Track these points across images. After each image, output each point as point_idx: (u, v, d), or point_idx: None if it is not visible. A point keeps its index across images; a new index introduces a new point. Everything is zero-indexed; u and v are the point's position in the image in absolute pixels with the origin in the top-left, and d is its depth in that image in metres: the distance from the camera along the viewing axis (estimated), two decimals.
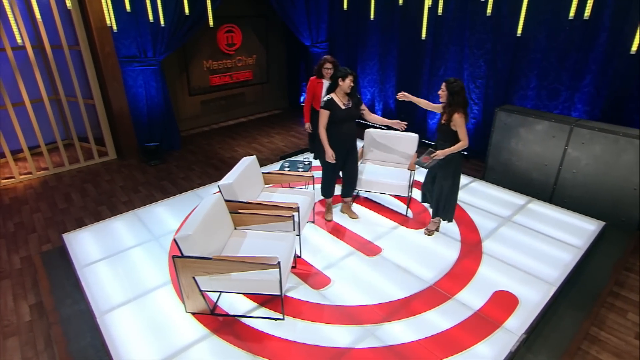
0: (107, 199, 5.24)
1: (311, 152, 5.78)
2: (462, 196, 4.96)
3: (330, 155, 3.93)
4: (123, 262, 3.74)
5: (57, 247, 4.13)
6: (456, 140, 3.59)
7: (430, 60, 6.48)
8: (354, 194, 4.70)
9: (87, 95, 6.08)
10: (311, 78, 4.95)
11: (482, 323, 3.04)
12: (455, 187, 3.89)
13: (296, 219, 3.46)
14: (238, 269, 2.82)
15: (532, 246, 3.99)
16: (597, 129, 4.40)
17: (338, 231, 4.23)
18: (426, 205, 4.51)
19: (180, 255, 2.82)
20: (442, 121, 3.66)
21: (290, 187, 4.70)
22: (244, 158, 4.00)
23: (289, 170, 4.70)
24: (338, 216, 4.52)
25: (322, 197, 4.46)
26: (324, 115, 3.87)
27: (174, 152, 6.78)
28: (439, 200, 3.93)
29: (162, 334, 2.93)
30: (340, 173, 4.33)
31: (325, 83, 4.74)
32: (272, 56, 8.66)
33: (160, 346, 2.84)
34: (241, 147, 7.05)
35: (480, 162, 6.05)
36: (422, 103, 4.02)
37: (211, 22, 5.43)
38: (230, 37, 7.63)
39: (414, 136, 4.68)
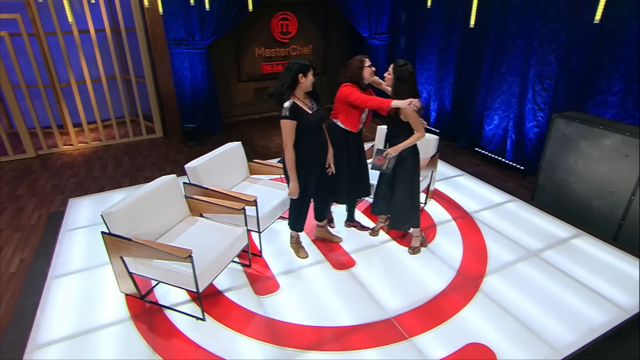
0: (134, 172, 5.52)
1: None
2: (488, 218, 4.06)
3: (295, 191, 3.01)
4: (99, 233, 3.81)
5: (63, 210, 4.42)
6: (410, 132, 3.06)
7: (492, 56, 5.48)
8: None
9: (142, 76, 6.51)
10: (345, 87, 3.24)
11: None
12: (415, 188, 3.28)
13: (250, 213, 3.12)
14: (155, 256, 2.61)
15: (552, 294, 3.01)
16: None
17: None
18: (381, 218, 3.79)
19: (107, 231, 2.73)
20: (391, 112, 3.06)
21: None
22: (228, 143, 3.78)
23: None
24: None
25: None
26: (289, 129, 2.83)
27: (213, 136, 6.92)
28: (397, 208, 3.30)
29: (88, 310, 2.87)
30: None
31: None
32: (331, 47, 8.31)
33: (77, 322, 2.76)
34: (278, 137, 6.88)
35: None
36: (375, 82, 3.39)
37: (250, 7, 5.38)
38: (285, 25, 7.49)
39: (433, 138, 3.95)
